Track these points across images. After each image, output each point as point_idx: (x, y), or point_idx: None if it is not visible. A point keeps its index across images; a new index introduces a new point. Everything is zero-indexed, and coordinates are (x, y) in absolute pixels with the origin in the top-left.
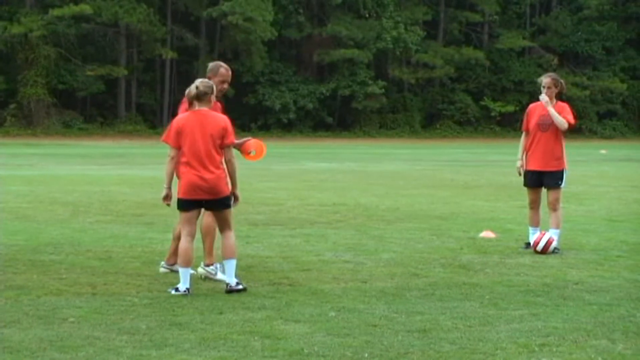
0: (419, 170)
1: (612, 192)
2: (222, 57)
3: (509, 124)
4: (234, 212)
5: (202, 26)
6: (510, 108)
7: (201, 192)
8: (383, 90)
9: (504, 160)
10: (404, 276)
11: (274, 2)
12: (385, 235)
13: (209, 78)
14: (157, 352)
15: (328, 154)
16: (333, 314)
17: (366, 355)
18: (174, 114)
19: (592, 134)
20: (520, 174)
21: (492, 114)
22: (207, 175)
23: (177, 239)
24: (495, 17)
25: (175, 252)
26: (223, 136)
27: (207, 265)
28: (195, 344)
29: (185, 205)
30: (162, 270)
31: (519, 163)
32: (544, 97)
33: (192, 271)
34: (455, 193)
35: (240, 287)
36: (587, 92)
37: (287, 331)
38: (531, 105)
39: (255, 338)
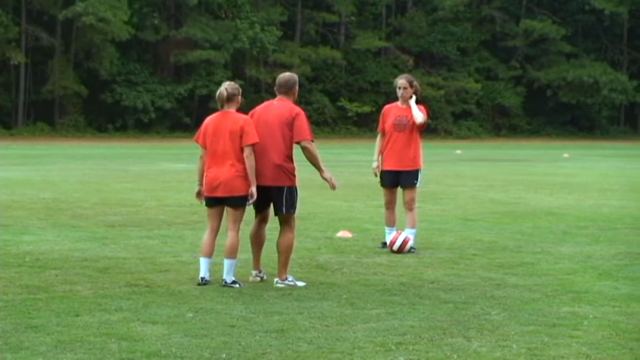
0: None
1: (467, 191)
2: (76, 58)
3: (366, 125)
4: (96, 214)
5: (57, 26)
6: (367, 108)
7: (218, 189)
8: (240, 90)
9: (361, 160)
10: None
11: (129, 4)
12: (243, 235)
13: (296, 91)
14: (13, 356)
15: (185, 154)
16: (191, 315)
17: (224, 356)
18: (29, 114)
19: (448, 134)
20: (376, 175)
21: (349, 114)
22: (223, 174)
23: (256, 244)
24: (352, 17)
25: (258, 256)
26: (241, 135)
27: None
28: (51, 347)
29: (206, 202)
30: (250, 279)
31: (374, 164)
32: (412, 101)
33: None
34: (312, 193)
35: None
36: (443, 92)
37: (145, 333)
38: (386, 106)
39: (112, 340)
